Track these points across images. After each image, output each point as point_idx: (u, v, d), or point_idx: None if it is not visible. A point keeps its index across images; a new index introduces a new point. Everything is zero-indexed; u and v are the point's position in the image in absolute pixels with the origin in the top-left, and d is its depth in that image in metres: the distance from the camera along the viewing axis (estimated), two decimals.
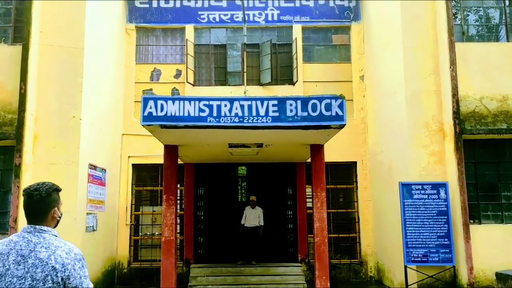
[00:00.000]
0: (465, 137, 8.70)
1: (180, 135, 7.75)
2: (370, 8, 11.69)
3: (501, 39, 9.59)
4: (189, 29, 12.23)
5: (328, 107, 7.13)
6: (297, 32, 12.24)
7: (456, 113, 8.67)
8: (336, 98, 7.17)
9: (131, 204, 11.46)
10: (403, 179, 8.89)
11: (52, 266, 2.25)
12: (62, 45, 9.04)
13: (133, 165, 11.60)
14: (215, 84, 12.32)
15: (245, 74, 12.00)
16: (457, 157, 8.54)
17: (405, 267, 8.47)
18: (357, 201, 11.72)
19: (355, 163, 11.81)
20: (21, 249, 2.29)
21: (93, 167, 9.48)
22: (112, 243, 10.87)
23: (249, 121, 7.14)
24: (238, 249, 10.79)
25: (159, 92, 11.79)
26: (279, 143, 8.62)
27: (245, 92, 11.47)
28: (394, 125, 9.82)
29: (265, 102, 7.18)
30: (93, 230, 9.49)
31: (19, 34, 9.15)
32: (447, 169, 8.83)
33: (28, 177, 8.53)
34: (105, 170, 10.22)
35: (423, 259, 8.43)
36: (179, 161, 9.47)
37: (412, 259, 8.45)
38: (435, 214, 8.54)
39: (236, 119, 7.13)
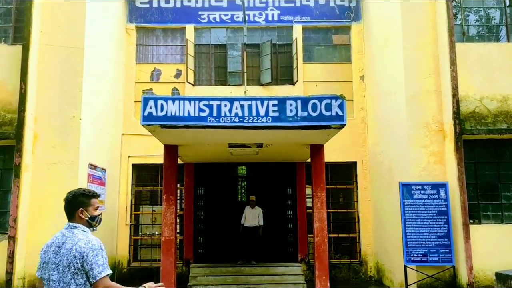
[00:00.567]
0: (465, 137, 8.70)
1: (180, 135, 7.75)
2: (371, 8, 11.69)
3: (502, 39, 9.59)
4: (189, 29, 12.23)
5: (328, 107, 7.13)
6: (297, 32, 12.25)
7: (456, 113, 8.67)
8: (336, 98, 7.17)
9: (131, 204, 11.47)
10: (403, 179, 8.89)
11: (73, 255, 2.77)
12: (62, 45, 9.05)
13: (133, 165, 11.60)
14: (215, 84, 12.32)
15: (245, 74, 12.00)
16: (457, 157, 8.54)
17: (405, 267, 8.47)
18: (357, 201, 11.72)
19: (355, 163, 11.82)
20: (58, 242, 2.90)
21: (93, 167, 9.48)
22: (111, 242, 10.87)
23: (249, 121, 7.13)
24: (238, 249, 10.79)
25: (159, 92, 11.80)
26: (279, 143, 8.62)
27: (245, 92, 11.47)
28: (394, 125, 9.82)
29: (265, 102, 7.18)
30: (93, 230, 9.48)
31: (19, 34, 9.15)
32: (447, 169, 8.83)
33: (28, 177, 8.54)
34: (105, 170, 10.22)
35: (423, 259, 8.43)
36: (179, 161, 9.46)
37: (412, 259, 8.45)
38: (435, 214, 8.53)
39: (236, 119, 7.13)
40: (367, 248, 11.44)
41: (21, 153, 8.44)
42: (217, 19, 12.33)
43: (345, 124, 7.15)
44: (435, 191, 8.58)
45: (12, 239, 8.10)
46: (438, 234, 8.47)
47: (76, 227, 2.96)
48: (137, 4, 12.28)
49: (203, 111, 7.11)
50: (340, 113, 7.11)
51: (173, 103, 7.10)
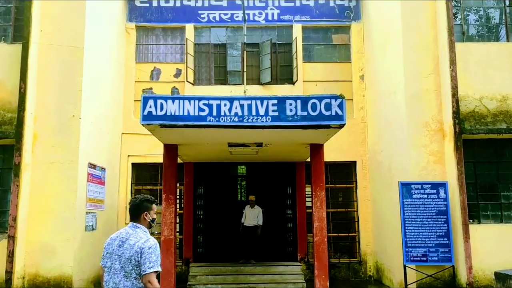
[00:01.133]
0: (465, 137, 8.70)
1: (179, 134, 7.75)
2: (370, 8, 11.69)
3: (501, 39, 9.58)
4: (189, 28, 12.23)
5: (328, 107, 7.12)
6: (297, 31, 12.25)
7: (456, 113, 8.67)
8: (335, 97, 7.17)
9: None
10: (403, 179, 8.90)
11: (135, 250, 3.32)
12: (62, 44, 9.04)
13: (133, 164, 11.60)
14: (215, 83, 12.32)
15: (245, 73, 12.01)
16: (457, 156, 8.54)
17: (404, 266, 8.48)
18: (356, 201, 11.73)
19: (354, 162, 11.82)
20: (122, 237, 3.46)
21: (92, 166, 9.48)
22: None
23: (249, 120, 7.13)
24: (239, 248, 10.80)
25: (159, 91, 11.79)
26: (278, 142, 8.62)
27: (245, 92, 11.47)
28: (393, 124, 9.82)
29: (265, 102, 7.17)
30: (93, 229, 9.50)
31: (19, 33, 9.14)
32: (446, 168, 8.83)
33: (28, 176, 8.53)
34: (104, 169, 10.22)
35: (422, 259, 8.43)
36: (179, 160, 9.46)
37: (412, 258, 8.45)
38: (434, 214, 8.54)
39: (236, 119, 7.13)
40: (366, 248, 11.44)
41: (21, 152, 8.44)
42: (217, 19, 12.32)
43: (344, 124, 7.15)
44: (434, 191, 8.59)
45: (12, 238, 8.10)
46: (438, 233, 8.47)
47: (139, 227, 3.53)
48: (137, 3, 12.27)
49: (203, 110, 7.11)
50: (339, 112, 7.11)
51: (173, 102, 7.10)
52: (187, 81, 11.92)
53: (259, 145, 8.71)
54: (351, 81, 12.11)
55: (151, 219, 3.63)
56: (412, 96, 9.13)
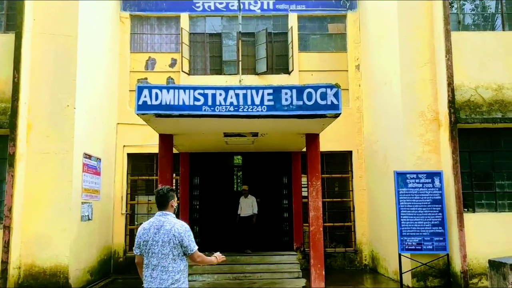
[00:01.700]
0: (460, 126, 8.72)
1: (175, 124, 7.72)
2: None
3: (497, 28, 9.57)
4: (184, 17, 12.13)
5: (324, 96, 7.11)
6: (292, 20, 12.18)
7: (451, 102, 8.68)
8: (331, 87, 7.15)
9: (127, 194, 11.46)
10: (398, 168, 8.92)
11: (173, 234, 3.84)
12: (55, 33, 8.95)
13: (128, 154, 11.57)
14: (210, 73, 12.26)
15: (240, 63, 11.94)
16: (452, 146, 8.57)
17: (399, 255, 8.53)
18: (352, 190, 11.76)
19: (350, 152, 11.84)
20: (156, 225, 3.92)
21: (87, 156, 9.45)
22: (107, 232, 10.88)
23: (244, 110, 7.11)
24: (235, 238, 10.85)
25: (154, 81, 11.73)
26: (274, 132, 8.61)
27: (240, 81, 11.42)
28: (389, 114, 9.82)
29: (260, 91, 7.15)
30: (89, 219, 9.49)
31: (12, 22, 9.04)
32: (441, 158, 8.86)
33: (22, 166, 8.50)
34: (100, 159, 10.19)
35: (417, 247, 8.49)
36: (174, 151, 9.44)
37: (406, 247, 8.50)
38: (429, 203, 8.58)
39: (231, 108, 7.11)
40: (362, 237, 11.51)
41: (15, 143, 8.39)
42: (212, 8, 12.23)
43: (340, 113, 7.14)
44: (429, 180, 8.62)
45: (7, 229, 8.09)
46: (433, 222, 8.52)
47: (168, 214, 4.01)
48: None
49: (198, 100, 7.08)
50: (335, 102, 7.10)
51: (168, 92, 7.06)
52: (182, 71, 11.86)
53: (255, 135, 8.69)
54: (347, 70, 12.09)
55: (175, 206, 4.15)
56: (408, 86, 9.13)
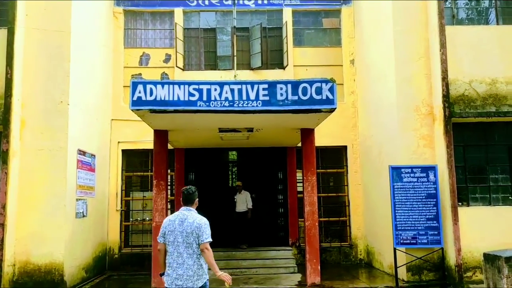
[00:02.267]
0: (454, 120, 8.74)
1: (169, 120, 7.70)
2: None
3: (491, 22, 9.58)
4: (178, 12, 12.06)
5: (319, 91, 7.11)
6: (287, 15, 12.14)
7: (446, 96, 8.69)
8: (326, 81, 7.15)
9: (121, 190, 11.42)
10: (393, 163, 8.95)
11: (196, 226, 4.40)
12: (48, 28, 8.86)
13: (123, 150, 11.52)
14: (205, 68, 12.21)
15: (235, 58, 11.91)
16: (446, 140, 8.59)
17: (394, 249, 8.57)
18: (347, 185, 11.78)
19: (345, 147, 11.85)
20: (181, 217, 4.49)
21: (82, 152, 9.40)
22: (102, 229, 10.84)
23: (239, 105, 7.11)
24: (231, 234, 10.86)
25: (148, 76, 11.62)
26: (269, 127, 8.60)
27: (235, 77, 11.39)
28: (384, 109, 9.83)
29: (255, 86, 7.15)
30: (83, 216, 9.45)
31: (4, 18, 8.92)
32: (436, 152, 8.89)
33: (16, 163, 8.43)
34: (94, 155, 10.14)
35: (412, 241, 8.53)
36: (169, 146, 9.42)
37: (401, 241, 8.54)
38: (424, 197, 8.61)
39: (226, 103, 7.10)
40: (357, 232, 11.54)
41: (9, 139, 8.31)
42: (206, 3, 12.16)
43: (335, 108, 7.15)
44: (424, 174, 8.65)
45: (1, 226, 8.03)
46: (427, 216, 8.56)
47: (191, 209, 4.59)
48: None
49: (193, 95, 7.06)
50: (330, 96, 7.10)
51: (163, 87, 7.04)
52: (177, 66, 11.80)
53: (250, 130, 8.69)
54: (342, 65, 12.07)
55: (198, 204, 4.76)
56: (403, 80, 9.13)
